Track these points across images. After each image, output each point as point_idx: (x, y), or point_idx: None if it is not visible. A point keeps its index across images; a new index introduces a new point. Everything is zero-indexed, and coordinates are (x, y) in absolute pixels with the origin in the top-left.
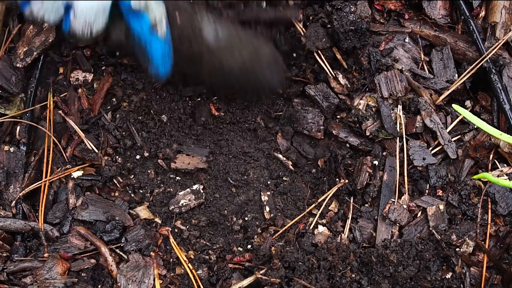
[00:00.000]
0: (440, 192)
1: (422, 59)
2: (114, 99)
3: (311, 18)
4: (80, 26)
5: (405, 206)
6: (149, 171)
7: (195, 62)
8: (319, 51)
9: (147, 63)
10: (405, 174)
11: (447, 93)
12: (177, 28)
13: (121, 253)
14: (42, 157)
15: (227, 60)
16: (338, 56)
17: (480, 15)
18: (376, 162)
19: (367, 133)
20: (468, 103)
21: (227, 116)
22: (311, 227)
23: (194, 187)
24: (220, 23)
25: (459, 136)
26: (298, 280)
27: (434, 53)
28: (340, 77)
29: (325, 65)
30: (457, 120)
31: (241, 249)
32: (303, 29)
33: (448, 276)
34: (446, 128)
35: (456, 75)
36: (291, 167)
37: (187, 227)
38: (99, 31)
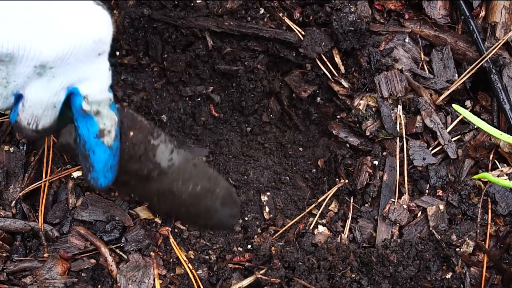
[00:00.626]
0: (440, 192)
1: (422, 59)
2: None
3: (310, 18)
4: (26, 119)
5: (405, 206)
6: None
7: (143, 182)
8: (322, 56)
9: (88, 170)
10: (405, 174)
11: (447, 93)
12: (129, 144)
13: (121, 253)
14: (42, 157)
15: (178, 188)
16: (337, 59)
17: (480, 15)
18: (376, 162)
19: (367, 133)
20: (468, 103)
21: (227, 117)
22: (311, 227)
23: None
24: (177, 150)
25: (459, 136)
26: (298, 280)
27: (434, 53)
28: (341, 80)
29: (328, 70)
30: (457, 120)
31: (241, 249)
32: (301, 32)
33: (448, 276)
34: (446, 128)
35: (456, 75)
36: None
37: (187, 227)
38: (45, 128)
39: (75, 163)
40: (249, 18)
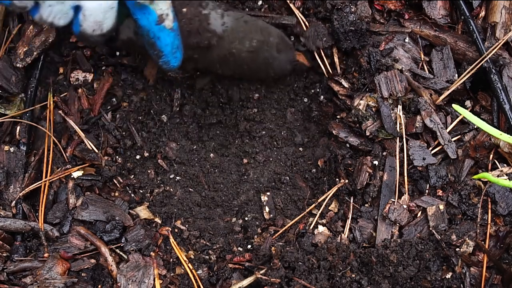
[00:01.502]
0: (440, 192)
1: (422, 59)
2: (114, 99)
3: (311, 11)
4: (90, 26)
5: (405, 206)
6: (149, 171)
7: (205, 52)
8: (320, 50)
9: (157, 56)
10: (405, 174)
11: (447, 93)
12: (185, 20)
13: (121, 253)
14: (42, 157)
15: (236, 47)
16: (336, 58)
17: (480, 15)
18: (376, 162)
19: (367, 133)
20: (468, 103)
21: (227, 117)
22: (311, 227)
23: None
24: (226, 13)
25: (459, 136)
26: (298, 280)
27: (434, 53)
28: (341, 80)
29: (324, 65)
30: (457, 120)
31: (241, 249)
32: (305, 22)
33: (448, 276)
34: (446, 128)
35: (456, 75)
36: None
37: (187, 227)
38: (109, 30)
39: (75, 163)
40: (247, 9)
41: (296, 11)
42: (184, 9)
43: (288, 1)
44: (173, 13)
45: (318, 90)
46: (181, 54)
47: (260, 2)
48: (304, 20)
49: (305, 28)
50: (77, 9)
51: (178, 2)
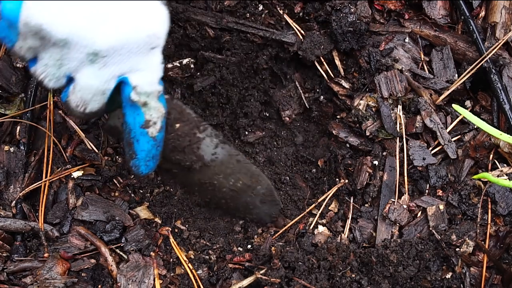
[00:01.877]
0: (440, 192)
1: (422, 59)
2: None
3: (311, 15)
4: (75, 101)
5: (405, 206)
6: None
7: (185, 172)
8: (321, 58)
9: (130, 157)
10: (405, 174)
11: (447, 93)
12: (173, 135)
13: (121, 253)
14: (42, 157)
15: (220, 181)
16: (337, 60)
17: (480, 15)
18: (376, 162)
19: (367, 133)
20: (468, 103)
21: (227, 118)
22: (311, 227)
23: None
24: (222, 145)
25: (459, 136)
26: (298, 280)
27: (434, 53)
28: (341, 81)
29: (326, 73)
30: (457, 120)
31: (241, 249)
32: (302, 32)
33: (448, 276)
34: (446, 128)
35: (456, 75)
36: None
37: (187, 227)
38: (92, 112)
39: (75, 163)
40: (248, 14)
41: (293, 23)
42: (177, 125)
43: (285, 14)
44: (162, 124)
45: (318, 90)
46: (154, 165)
47: (260, 8)
48: (301, 31)
49: (302, 39)
50: (70, 80)
51: (174, 115)
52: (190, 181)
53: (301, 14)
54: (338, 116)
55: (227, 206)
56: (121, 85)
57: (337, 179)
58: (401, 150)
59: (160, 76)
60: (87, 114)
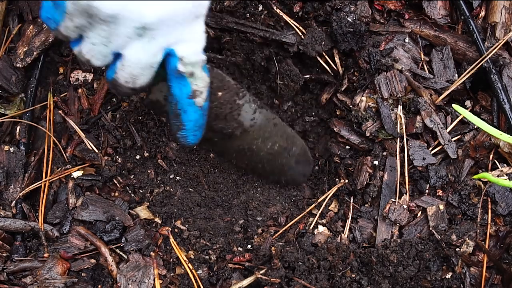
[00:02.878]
0: (440, 192)
1: (422, 59)
2: (114, 99)
3: (310, 15)
4: (124, 77)
5: (405, 206)
6: (149, 171)
7: (225, 140)
8: (323, 53)
9: (177, 128)
10: (406, 174)
11: (447, 93)
12: (216, 103)
13: (121, 253)
14: (42, 157)
15: (258, 146)
16: (338, 59)
17: (480, 15)
18: (376, 162)
19: (367, 134)
20: (468, 103)
21: None
22: (311, 227)
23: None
24: (259, 110)
25: (459, 136)
26: (298, 280)
27: (434, 53)
28: (342, 81)
29: (329, 66)
30: (457, 120)
31: (241, 249)
32: (302, 29)
33: (448, 276)
34: (446, 128)
35: (456, 75)
36: None
37: (187, 227)
38: (141, 87)
39: (75, 163)
40: (248, 14)
41: (292, 22)
42: (219, 93)
43: (283, 14)
44: (208, 93)
45: (318, 90)
46: (201, 134)
47: (260, 8)
48: (301, 28)
49: (302, 36)
50: (117, 56)
51: (216, 84)
52: (229, 149)
53: (300, 13)
54: (338, 116)
55: (263, 170)
56: (166, 58)
57: (337, 179)
58: (401, 150)
59: (203, 46)
60: (135, 90)
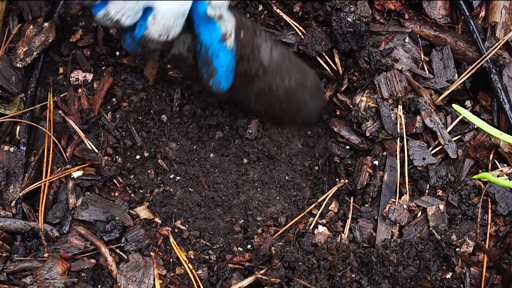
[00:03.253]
0: (440, 192)
1: (422, 59)
2: (114, 99)
3: (310, 15)
4: (158, 31)
5: (405, 206)
6: (149, 171)
7: (246, 82)
8: (323, 53)
9: (210, 75)
10: (406, 174)
11: (447, 93)
12: (239, 44)
13: (121, 253)
14: (42, 157)
15: (277, 83)
16: (338, 59)
17: (480, 15)
18: (376, 162)
19: (367, 134)
20: (468, 103)
21: (227, 118)
22: (311, 227)
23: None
24: (275, 47)
25: (459, 136)
26: (298, 280)
27: (434, 53)
28: (341, 81)
29: (329, 66)
30: (457, 120)
31: (241, 249)
32: (302, 29)
33: (448, 276)
34: (446, 128)
35: (456, 75)
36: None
37: (187, 227)
38: (174, 37)
39: (75, 163)
40: (248, 14)
41: (292, 22)
42: (242, 33)
43: (283, 14)
44: (235, 34)
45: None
46: (232, 77)
47: (260, 8)
48: (301, 28)
49: (302, 37)
50: (146, 10)
51: (238, 24)
52: (249, 93)
53: (300, 13)
54: (339, 116)
55: (280, 111)
56: (192, 6)
57: (337, 179)
58: (401, 150)
59: None
60: (167, 43)
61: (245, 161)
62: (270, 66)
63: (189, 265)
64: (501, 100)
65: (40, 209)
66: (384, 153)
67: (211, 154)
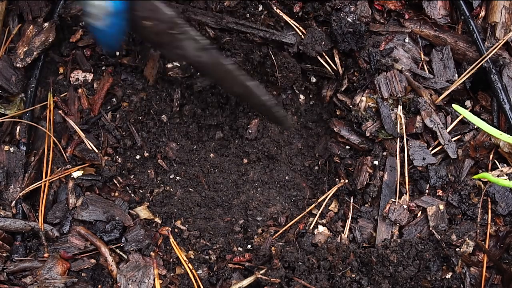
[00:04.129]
0: (440, 192)
1: (422, 59)
2: (114, 99)
3: (310, 15)
4: None
5: (405, 206)
6: (149, 171)
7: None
8: (323, 53)
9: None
10: (406, 174)
11: (447, 93)
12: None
13: (121, 253)
14: (42, 157)
15: (222, 82)
16: (338, 59)
17: (480, 15)
18: (376, 162)
19: (367, 134)
20: (468, 103)
21: (227, 118)
22: (311, 227)
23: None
24: (207, 51)
25: (459, 136)
26: (298, 280)
27: (434, 53)
28: (341, 81)
29: (330, 66)
30: (457, 120)
31: (241, 249)
32: (302, 29)
33: (448, 276)
34: (446, 128)
35: (456, 75)
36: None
37: (187, 227)
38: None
39: (75, 163)
40: (248, 15)
41: (292, 22)
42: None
43: (283, 14)
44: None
45: (318, 90)
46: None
47: (260, 8)
48: (301, 29)
49: (302, 37)
50: None
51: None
52: (207, 74)
53: (300, 13)
54: (339, 116)
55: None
56: None
57: (337, 179)
58: (401, 150)
59: None
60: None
61: (245, 161)
62: (199, 63)
63: (189, 265)
64: (501, 100)
65: (40, 209)
66: (384, 153)
67: (211, 154)
